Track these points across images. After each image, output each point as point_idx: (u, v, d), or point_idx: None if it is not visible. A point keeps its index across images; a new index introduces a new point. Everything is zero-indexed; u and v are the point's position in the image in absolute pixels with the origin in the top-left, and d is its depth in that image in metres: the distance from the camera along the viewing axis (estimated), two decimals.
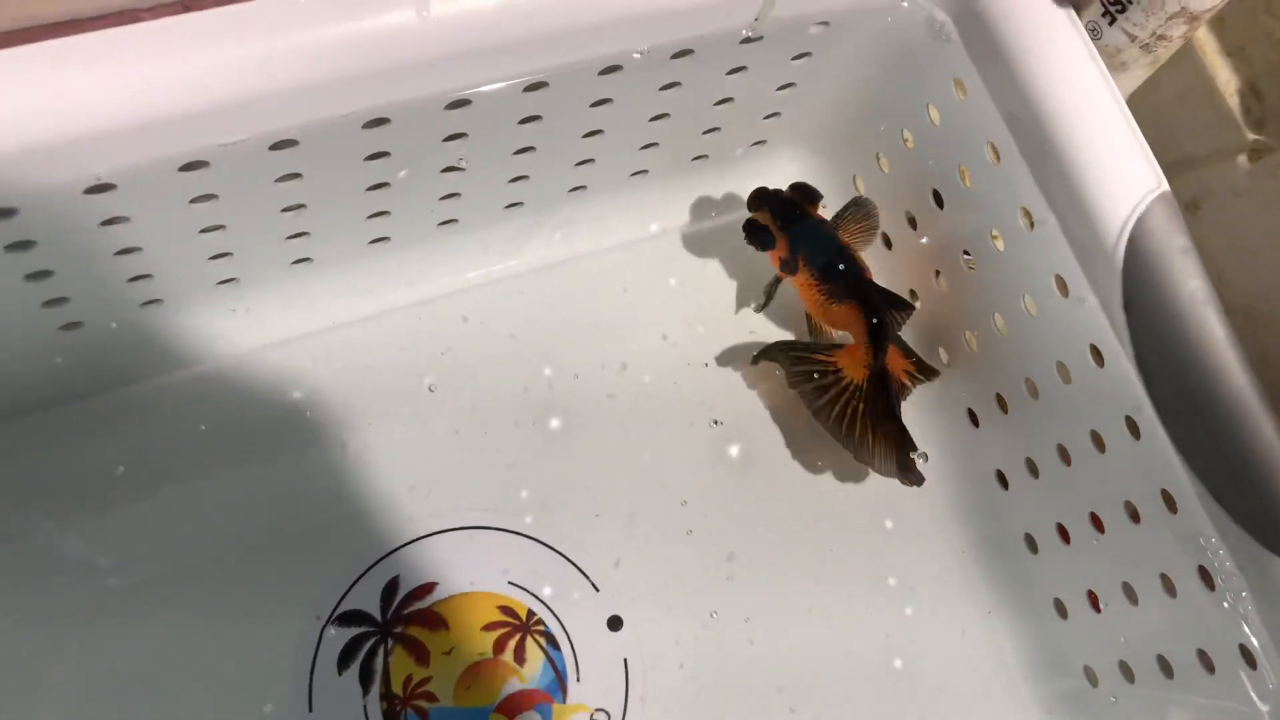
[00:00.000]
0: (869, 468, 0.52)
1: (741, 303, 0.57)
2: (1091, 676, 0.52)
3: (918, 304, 0.54)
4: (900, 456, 0.51)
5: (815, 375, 0.52)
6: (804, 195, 0.53)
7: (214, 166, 0.41)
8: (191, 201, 0.42)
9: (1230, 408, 0.42)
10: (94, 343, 0.48)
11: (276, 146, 0.41)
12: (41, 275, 0.43)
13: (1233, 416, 0.42)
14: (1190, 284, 0.43)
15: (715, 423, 0.54)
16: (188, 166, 0.40)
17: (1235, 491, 0.43)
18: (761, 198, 0.53)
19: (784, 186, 0.53)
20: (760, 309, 0.56)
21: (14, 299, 0.43)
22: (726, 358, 0.56)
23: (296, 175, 0.43)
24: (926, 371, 0.54)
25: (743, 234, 0.53)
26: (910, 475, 0.51)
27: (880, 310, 0.51)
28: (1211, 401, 0.42)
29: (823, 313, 0.53)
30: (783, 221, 0.52)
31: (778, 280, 0.54)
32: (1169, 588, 0.47)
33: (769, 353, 0.54)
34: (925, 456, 0.55)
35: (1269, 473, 0.42)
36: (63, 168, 0.38)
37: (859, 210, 0.54)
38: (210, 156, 0.40)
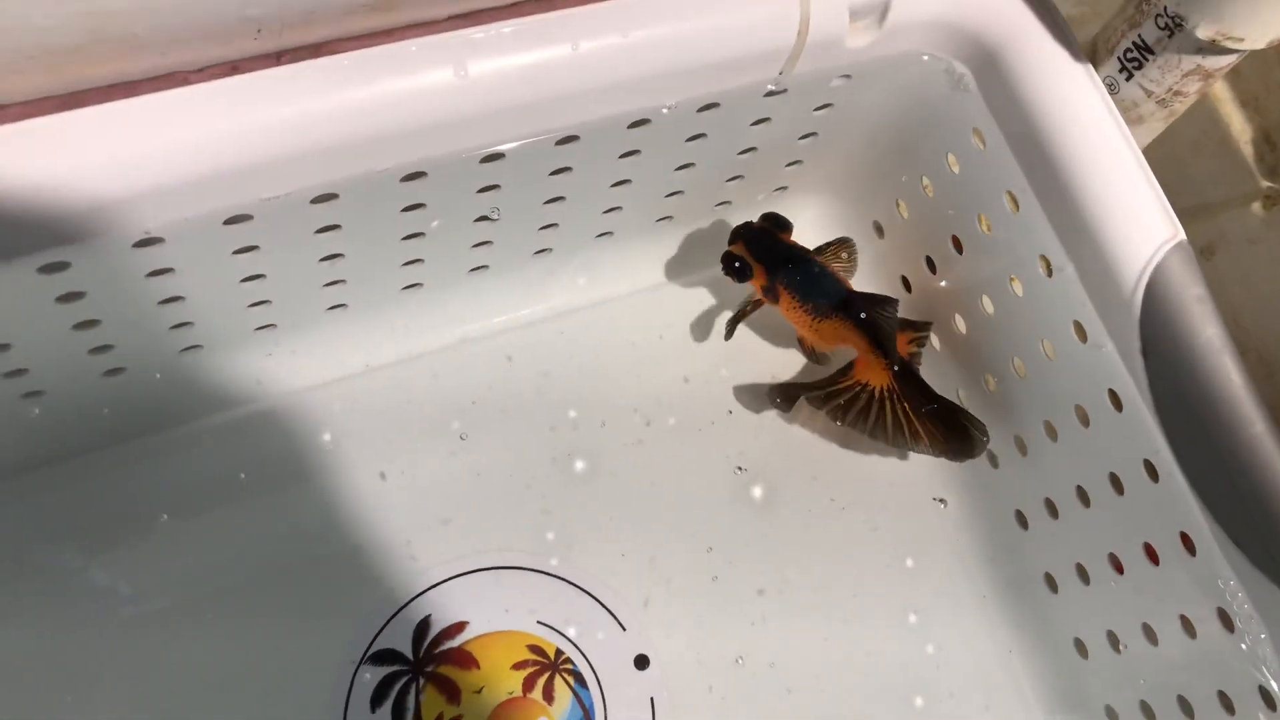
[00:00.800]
0: (934, 456, 0.54)
1: (763, 345, 0.58)
2: (1113, 715, 0.52)
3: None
4: (960, 433, 0.52)
5: (843, 400, 0.53)
6: (775, 224, 0.54)
7: (256, 219, 0.42)
8: (235, 252, 0.44)
9: (1247, 453, 0.43)
10: (136, 387, 0.49)
11: (318, 200, 0.43)
12: (89, 324, 0.44)
13: (1249, 461, 0.43)
14: (1207, 331, 0.44)
15: (739, 469, 0.55)
16: (232, 220, 0.41)
17: (1252, 535, 0.43)
18: (735, 232, 0.54)
19: (791, 229, 0.55)
20: (727, 336, 0.56)
21: (63, 348, 0.45)
22: (749, 400, 0.57)
23: (336, 227, 0.45)
24: (921, 329, 0.55)
25: (722, 269, 0.54)
26: (976, 444, 0.52)
27: (868, 311, 0.52)
28: (1228, 447, 0.43)
29: (814, 333, 0.54)
30: (757, 251, 0.53)
31: (740, 315, 0.55)
32: (1189, 629, 0.47)
33: (788, 398, 0.55)
34: (945, 502, 0.56)
35: None
36: (114, 223, 0.39)
37: (841, 246, 0.56)
38: (253, 210, 0.41)
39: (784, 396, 0.55)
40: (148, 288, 0.43)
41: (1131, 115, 0.48)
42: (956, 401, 0.55)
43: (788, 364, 0.58)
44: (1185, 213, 0.48)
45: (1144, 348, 0.45)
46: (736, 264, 0.53)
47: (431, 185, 0.44)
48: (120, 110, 0.38)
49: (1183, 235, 0.45)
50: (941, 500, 0.56)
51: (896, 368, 0.52)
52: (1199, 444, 0.44)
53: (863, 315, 0.52)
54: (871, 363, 0.53)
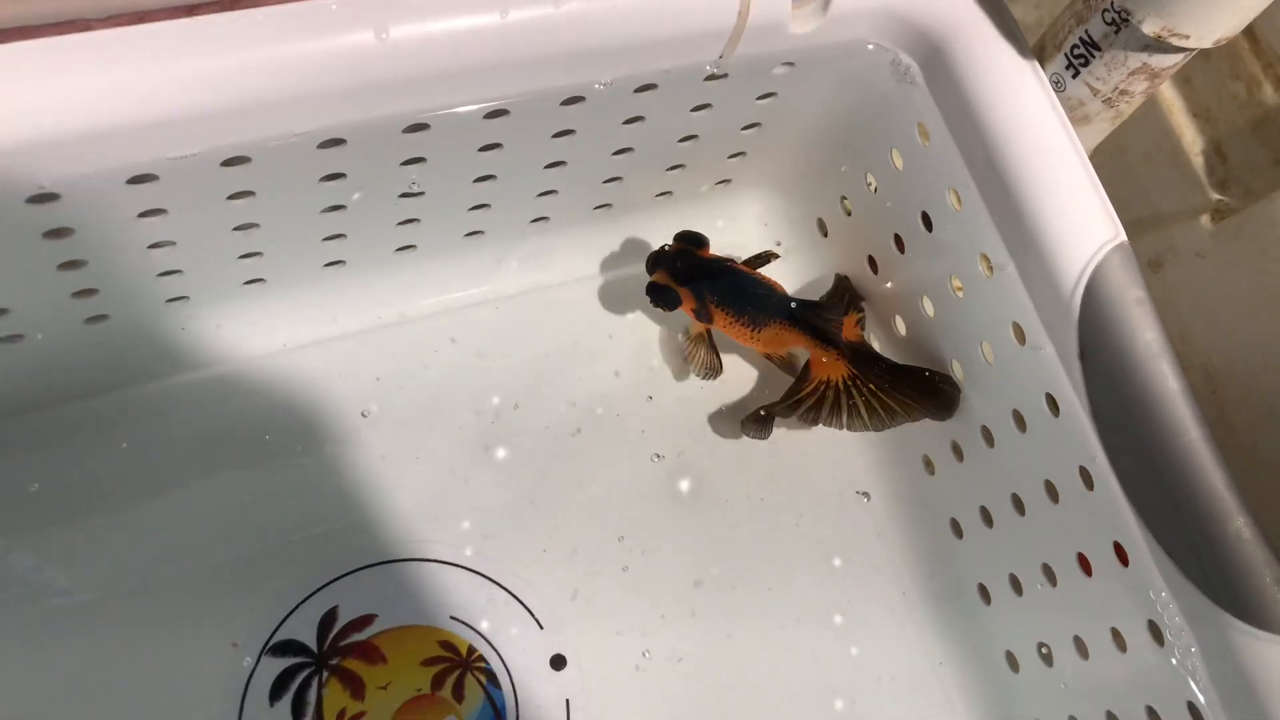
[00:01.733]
0: (918, 420, 0.52)
1: None
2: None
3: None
4: (932, 392, 0.51)
5: (810, 403, 0.52)
6: (690, 242, 0.53)
7: (163, 180, 0.40)
8: (140, 215, 0.42)
9: (1182, 460, 0.42)
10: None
11: (229, 163, 0.41)
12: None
13: (1184, 469, 0.42)
14: (1145, 335, 0.43)
15: (657, 456, 0.54)
16: (136, 180, 0.40)
17: (1185, 545, 0.42)
18: (654, 260, 0.53)
19: (708, 244, 0.54)
20: (680, 377, 0.56)
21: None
22: (679, 394, 0.55)
23: (250, 193, 0.43)
24: (854, 299, 0.55)
25: (649, 300, 0.53)
26: (952, 398, 0.51)
27: (802, 308, 0.51)
28: (1163, 453, 0.42)
29: (757, 342, 0.53)
30: (680, 275, 0.52)
31: (693, 356, 0.54)
32: (1119, 642, 0.46)
33: (761, 423, 0.53)
34: (868, 496, 0.55)
35: (1218, 527, 0.41)
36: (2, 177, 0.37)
37: (767, 257, 0.55)
38: (159, 170, 0.40)
39: (756, 424, 0.53)
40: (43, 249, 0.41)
41: (1077, 114, 0.47)
42: (865, 301, 0.55)
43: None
44: (1136, 224, 0.47)
45: (1081, 350, 0.44)
46: (661, 293, 0.52)
47: (351, 154, 0.43)
48: (12, 54, 0.36)
49: (1124, 237, 0.44)
50: (865, 494, 0.55)
51: (849, 355, 0.51)
52: (1134, 450, 0.43)
53: (798, 314, 0.51)
54: (823, 358, 0.52)
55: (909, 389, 0.51)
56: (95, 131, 0.37)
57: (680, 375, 0.55)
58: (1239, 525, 0.41)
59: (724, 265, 0.53)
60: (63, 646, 0.45)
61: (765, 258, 0.55)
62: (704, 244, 0.53)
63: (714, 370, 0.54)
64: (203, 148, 0.39)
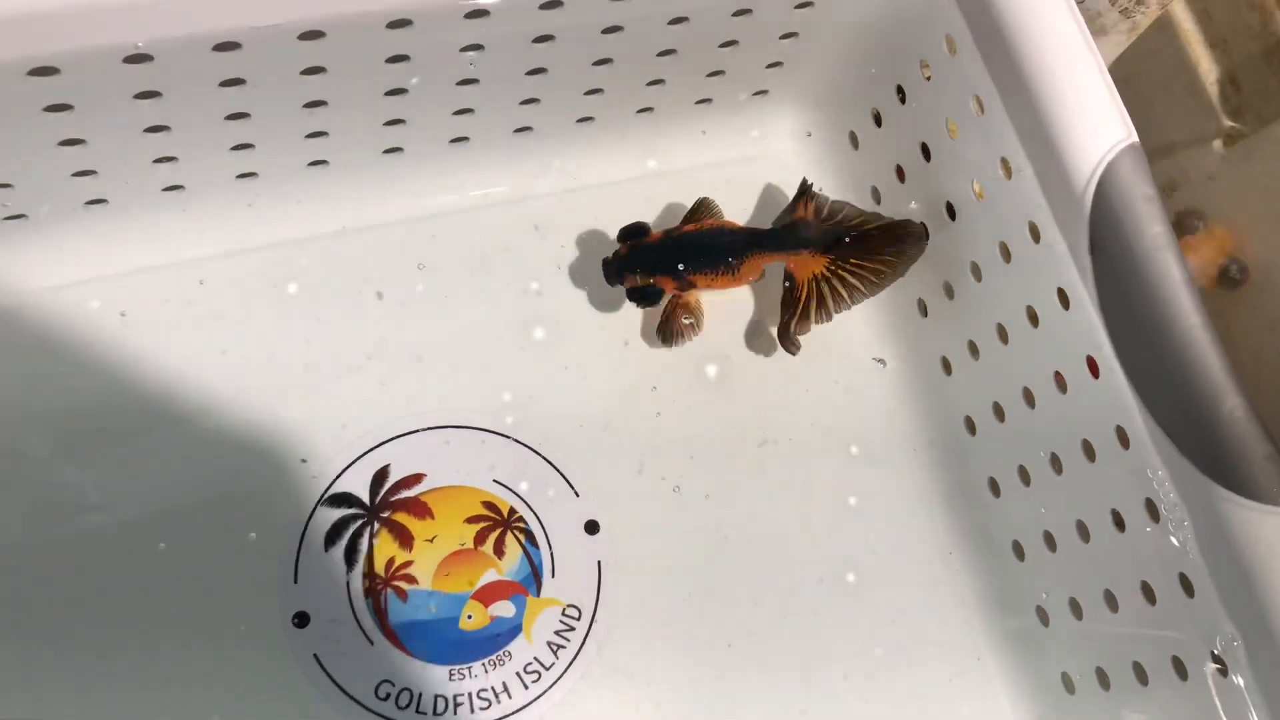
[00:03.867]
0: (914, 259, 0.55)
1: None
2: (1042, 614, 0.54)
3: None
4: (903, 235, 0.54)
5: (812, 306, 0.55)
6: (633, 235, 0.55)
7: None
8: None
9: (1183, 344, 0.45)
10: None
11: (305, 36, 0.44)
12: None
13: (1185, 353, 0.45)
14: (1153, 229, 0.46)
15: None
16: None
17: (1183, 425, 0.45)
18: (613, 269, 0.54)
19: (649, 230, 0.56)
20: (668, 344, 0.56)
21: None
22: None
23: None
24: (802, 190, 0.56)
25: (634, 304, 0.55)
26: (918, 234, 0.55)
27: (758, 231, 0.55)
28: (1166, 338, 0.45)
29: (740, 280, 0.55)
30: (648, 267, 0.54)
31: (667, 323, 0.55)
32: (1118, 522, 0.49)
33: (789, 339, 0.56)
34: (884, 362, 0.58)
35: (1215, 406, 0.44)
36: None
37: (703, 207, 0.57)
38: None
39: (786, 341, 0.56)
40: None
41: (1095, 25, 0.50)
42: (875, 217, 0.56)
43: None
44: (1150, 151, 0.50)
45: (1092, 244, 0.47)
46: (642, 292, 0.54)
47: (416, 36, 0.46)
48: None
49: (1135, 138, 0.47)
50: (881, 360, 0.58)
51: (817, 246, 0.54)
52: (1138, 337, 0.46)
53: (761, 240, 0.54)
54: (797, 261, 0.55)
55: (881, 245, 0.54)
56: None
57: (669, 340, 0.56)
58: (1233, 404, 0.44)
59: (677, 237, 0.55)
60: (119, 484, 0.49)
61: (705, 204, 0.57)
62: (647, 230, 0.55)
63: (697, 326, 0.56)
64: (285, 19, 0.43)
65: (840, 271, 0.54)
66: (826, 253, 0.54)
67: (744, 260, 0.55)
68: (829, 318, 0.55)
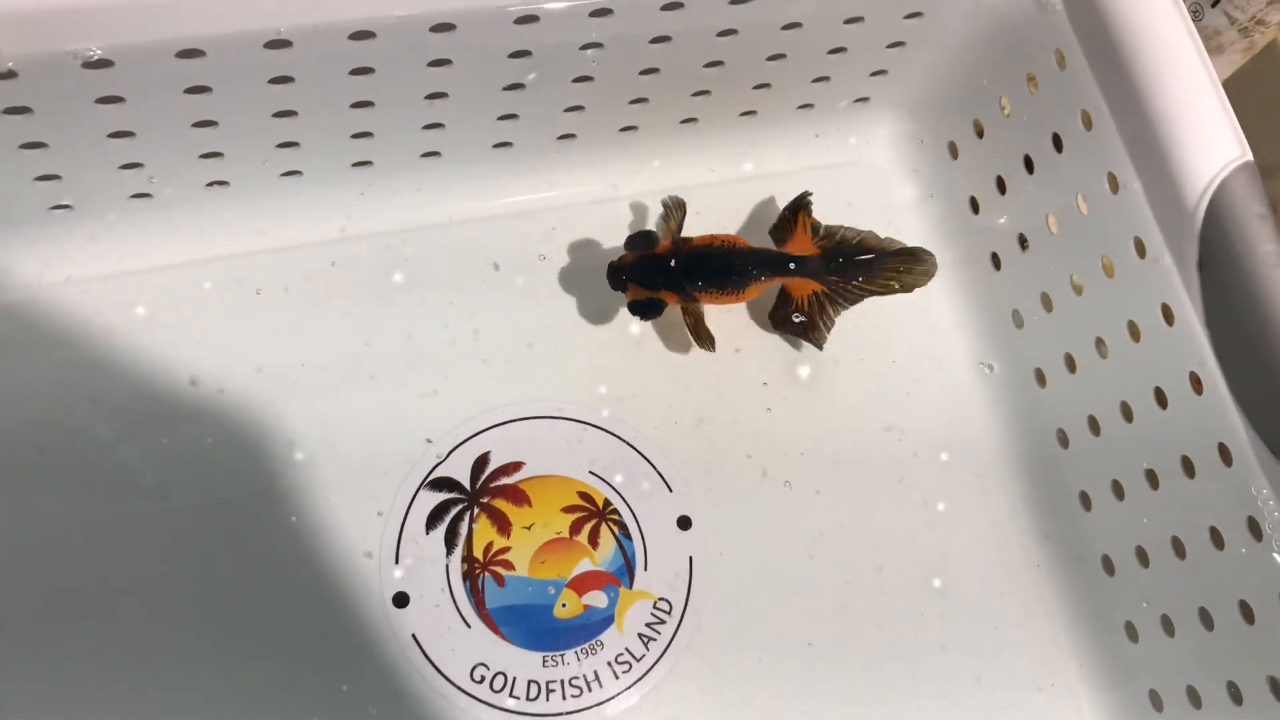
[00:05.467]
0: (920, 286, 0.55)
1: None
2: (1131, 630, 0.54)
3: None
4: (910, 265, 0.54)
5: (801, 318, 0.55)
6: (640, 244, 0.53)
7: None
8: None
9: None
10: None
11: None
12: None
13: None
14: (1265, 246, 0.45)
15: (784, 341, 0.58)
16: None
17: None
18: (617, 276, 0.53)
19: (656, 240, 0.54)
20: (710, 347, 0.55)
21: None
22: None
23: (370, 69, 0.46)
24: (797, 206, 0.56)
25: (636, 317, 0.54)
26: (928, 270, 0.54)
27: (761, 259, 0.53)
28: (1275, 355, 0.45)
29: (740, 299, 0.54)
30: (650, 281, 0.53)
31: (696, 328, 0.55)
32: (1217, 540, 0.49)
33: (810, 337, 0.56)
34: (991, 367, 0.59)
35: None
36: None
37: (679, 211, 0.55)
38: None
39: (806, 339, 0.56)
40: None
41: (1212, 44, 0.50)
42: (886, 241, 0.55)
43: None
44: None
45: (1201, 260, 0.47)
46: (643, 306, 0.53)
47: (459, 39, 0.46)
48: None
49: (1249, 156, 0.47)
50: (989, 366, 0.59)
51: (814, 270, 0.54)
52: (1246, 354, 0.46)
53: (767, 262, 0.53)
54: (798, 283, 0.55)
55: (887, 272, 0.54)
56: None
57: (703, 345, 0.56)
58: None
59: (686, 254, 0.53)
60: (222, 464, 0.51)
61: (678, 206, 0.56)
62: (655, 240, 0.54)
63: (711, 340, 0.55)
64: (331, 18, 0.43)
65: (841, 290, 0.54)
66: (824, 276, 0.54)
67: (749, 283, 0.53)
68: (831, 323, 0.55)
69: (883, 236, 0.55)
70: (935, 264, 0.55)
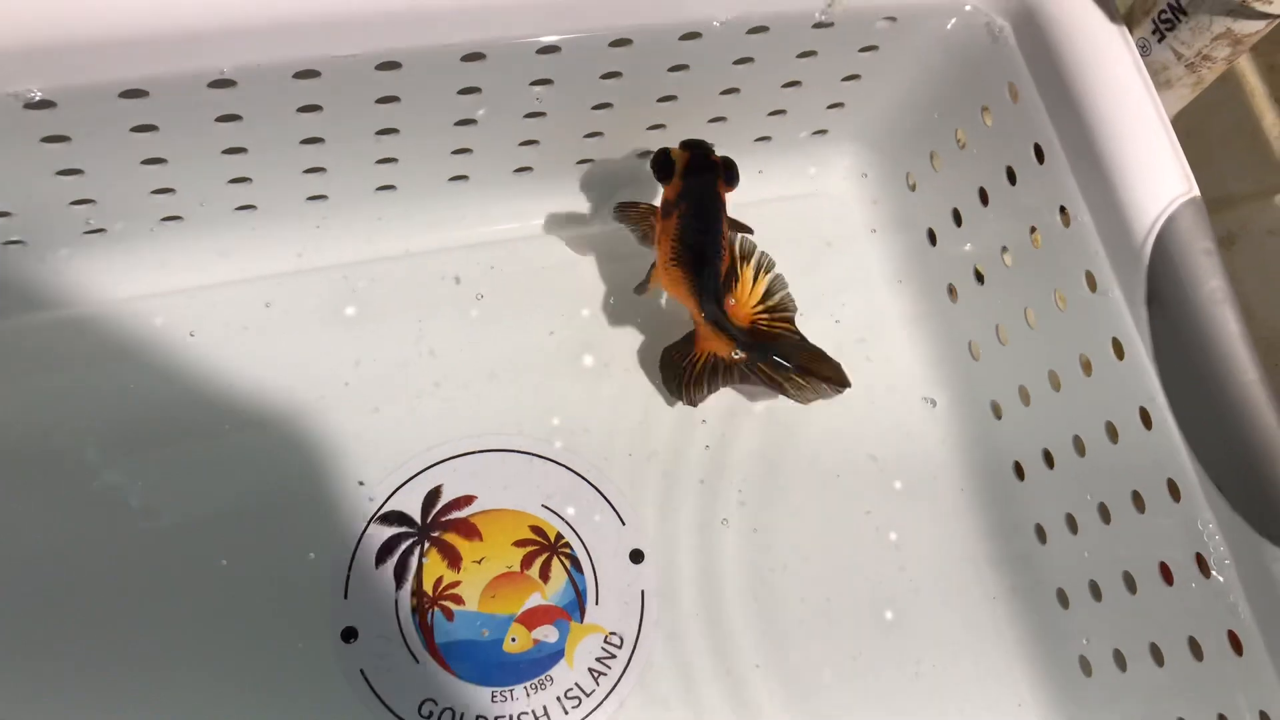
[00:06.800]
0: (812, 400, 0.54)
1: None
2: (1085, 665, 0.54)
3: None
4: (826, 378, 0.53)
5: (710, 373, 0.53)
6: (727, 170, 0.52)
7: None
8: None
9: (1238, 399, 0.45)
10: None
11: (383, 65, 0.45)
12: None
13: (1239, 407, 0.44)
14: (1211, 282, 0.46)
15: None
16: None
17: (1236, 480, 0.45)
18: (692, 142, 0.53)
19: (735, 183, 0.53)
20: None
21: None
22: None
23: (396, 98, 0.47)
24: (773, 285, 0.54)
25: (654, 157, 0.52)
26: (839, 385, 0.53)
27: (707, 286, 0.51)
28: (1221, 392, 0.45)
29: (664, 268, 0.52)
30: (689, 169, 0.52)
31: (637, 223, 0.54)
32: (1167, 576, 0.49)
33: (679, 387, 0.54)
34: (934, 402, 0.59)
35: (1269, 463, 0.44)
36: None
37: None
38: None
39: (679, 386, 0.54)
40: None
41: (1160, 79, 0.50)
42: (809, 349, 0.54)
43: None
44: (1210, 202, 0.50)
45: (1149, 295, 0.47)
46: (665, 164, 0.52)
47: (488, 69, 0.47)
48: None
49: (1196, 192, 0.47)
50: (931, 400, 0.59)
51: (737, 340, 0.51)
52: (1193, 390, 0.46)
53: (710, 288, 0.51)
54: (709, 335, 0.52)
55: (800, 375, 0.52)
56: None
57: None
58: None
59: (720, 204, 0.52)
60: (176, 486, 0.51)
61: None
62: (732, 181, 0.52)
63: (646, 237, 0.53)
64: (364, 49, 0.44)
65: (745, 368, 0.52)
66: (744, 351, 0.52)
67: (681, 267, 0.51)
68: (713, 390, 0.54)
69: (812, 347, 0.54)
70: (847, 383, 0.54)
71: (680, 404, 0.56)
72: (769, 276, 0.53)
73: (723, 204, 0.53)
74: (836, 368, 0.54)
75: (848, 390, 0.54)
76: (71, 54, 0.40)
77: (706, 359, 0.53)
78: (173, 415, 0.52)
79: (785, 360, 0.52)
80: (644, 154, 0.57)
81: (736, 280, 0.53)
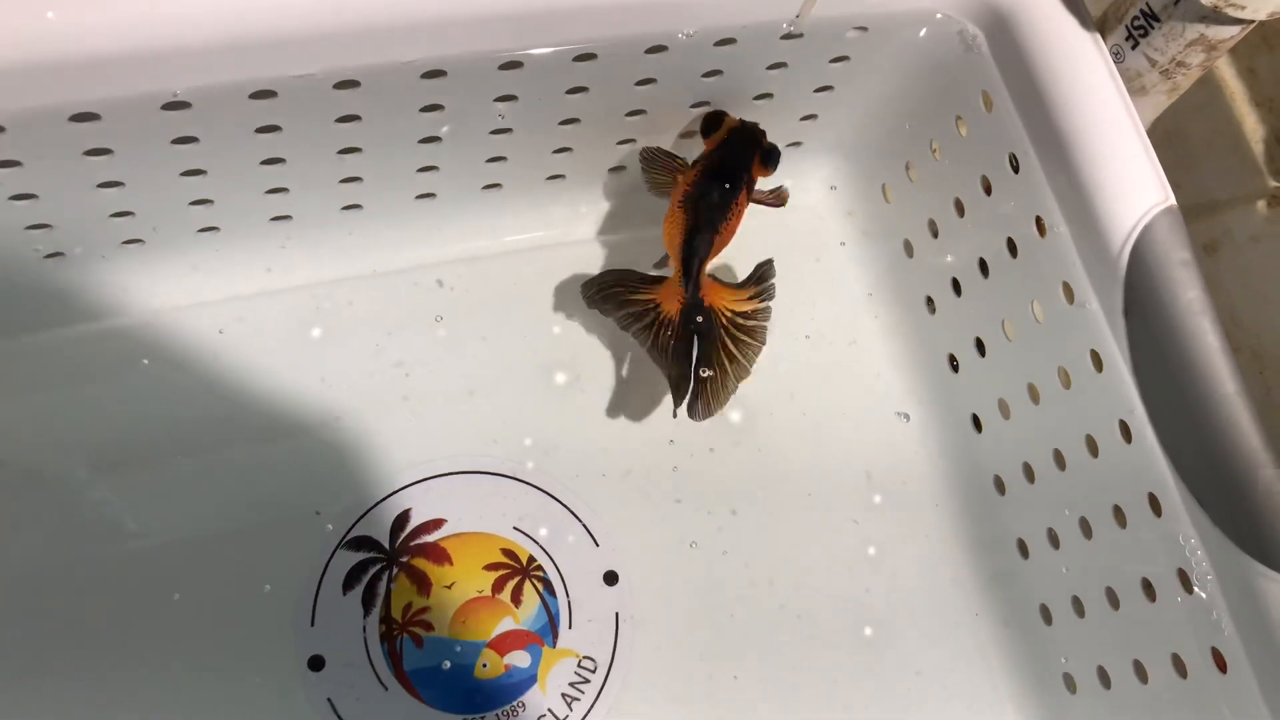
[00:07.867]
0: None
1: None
2: (1070, 681, 0.53)
3: None
4: (673, 393, 0.50)
5: (638, 314, 0.51)
6: (767, 152, 0.52)
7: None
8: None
9: (1217, 412, 0.44)
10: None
11: (340, 86, 0.44)
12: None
13: (1219, 421, 0.44)
14: (1189, 294, 0.45)
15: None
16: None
17: (1217, 494, 0.44)
18: (750, 124, 0.53)
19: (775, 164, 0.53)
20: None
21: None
22: None
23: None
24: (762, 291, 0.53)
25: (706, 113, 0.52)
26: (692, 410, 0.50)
27: (694, 247, 0.50)
28: (1201, 405, 0.44)
29: (670, 211, 0.52)
30: (732, 133, 0.52)
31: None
32: (1149, 592, 0.48)
33: (593, 295, 0.52)
34: (907, 417, 0.58)
35: (1250, 477, 0.43)
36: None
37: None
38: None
39: (596, 294, 0.52)
40: None
41: (1135, 85, 0.49)
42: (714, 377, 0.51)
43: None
44: (1192, 209, 0.49)
45: (1126, 307, 0.46)
46: (715, 123, 0.52)
47: (450, 86, 0.46)
48: None
49: (1172, 201, 0.46)
50: (905, 415, 0.58)
51: (684, 305, 0.50)
52: (1172, 402, 0.45)
53: (696, 248, 0.50)
54: (671, 288, 0.51)
55: (675, 378, 0.51)
56: None
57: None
58: (1269, 475, 0.43)
59: (742, 180, 0.52)
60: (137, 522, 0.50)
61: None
62: (769, 163, 0.52)
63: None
64: (320, 68, 0.43)
65: (665, 324, 0.51)
66: (681, 315, 0.50)
67: (679, 220, 0.51)
68: (612, 311, 0.52)
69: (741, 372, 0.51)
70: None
71: (649, 417, 0.55)
72: (760, 304, 0.52)
73: (751, 178, 0.52)
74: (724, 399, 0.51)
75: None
76: (17, 77, 0.40)
77: (648, 302, 0.51)
78: (148, 437, 0.51)
79: (703, 359, 0.50)
80: (615, 169, 0.56)
81: (738, 283, 0.52)
